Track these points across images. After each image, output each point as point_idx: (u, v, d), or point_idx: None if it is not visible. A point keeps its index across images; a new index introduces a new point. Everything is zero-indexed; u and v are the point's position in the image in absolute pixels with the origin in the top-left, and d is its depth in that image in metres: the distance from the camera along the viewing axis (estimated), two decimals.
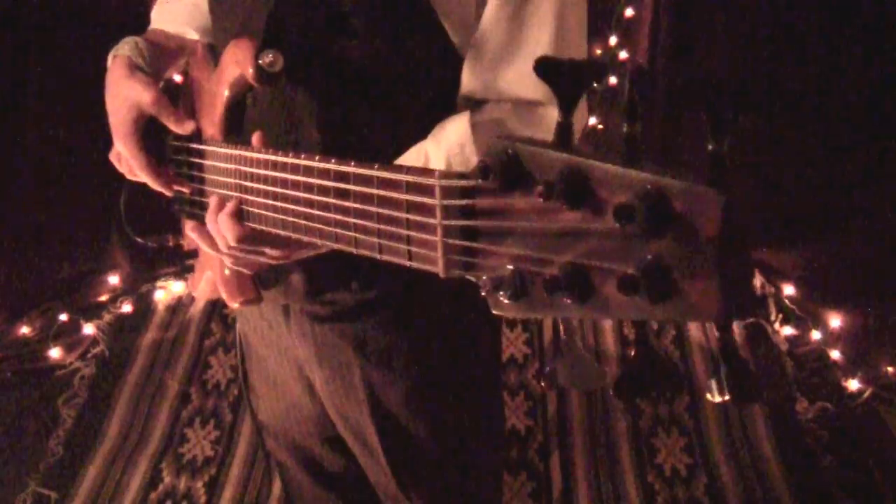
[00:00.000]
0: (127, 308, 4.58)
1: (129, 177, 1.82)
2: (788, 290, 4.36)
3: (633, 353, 0.75)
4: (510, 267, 0.83)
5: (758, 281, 4.40)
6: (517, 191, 0.80)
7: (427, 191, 0.95)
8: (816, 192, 4.06)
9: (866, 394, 3.89)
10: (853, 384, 3.93)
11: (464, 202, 0.89)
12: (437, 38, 1.53)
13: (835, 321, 4.14)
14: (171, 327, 4.51)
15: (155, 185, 1.74)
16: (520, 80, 1.52)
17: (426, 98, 1.62)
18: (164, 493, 3.68)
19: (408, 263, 1.03)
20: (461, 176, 0.89)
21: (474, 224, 0.88)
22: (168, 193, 1.77)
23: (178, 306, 4.64)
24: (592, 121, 4.41)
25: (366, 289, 1.76)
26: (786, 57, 4.11)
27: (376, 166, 1.06)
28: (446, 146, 1.50)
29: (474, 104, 1.58)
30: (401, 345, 1.83)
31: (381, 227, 1.07)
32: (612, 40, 4.40)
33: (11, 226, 4.30)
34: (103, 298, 4.61)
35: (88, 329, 4.42)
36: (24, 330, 4.38)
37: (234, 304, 1.69)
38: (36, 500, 3.61)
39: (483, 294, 0.86)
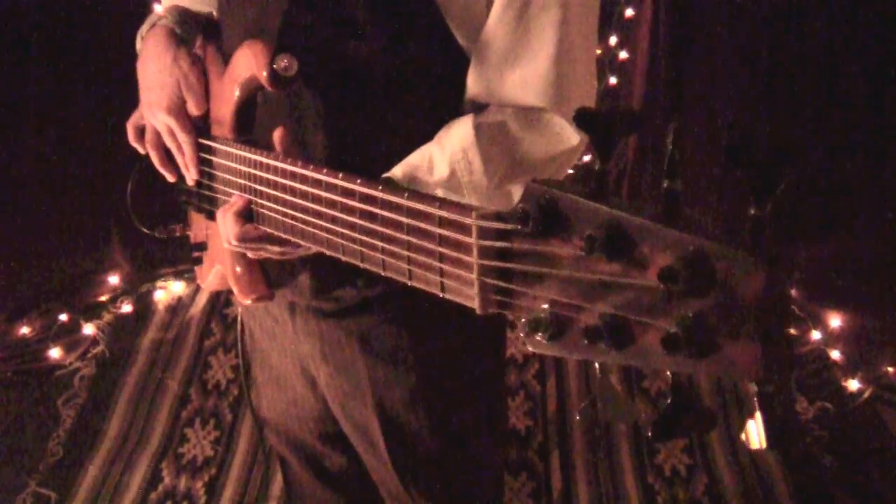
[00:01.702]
0: (127, 308, 4.58)
1: (149, 150, 1.82)
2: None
3: (668, 400, 0.76)
4: (546, 307, 0.84)
5: None
6: (555, 237, 0.81)
7: (463, 228, 0.95)
8: (816, 192, 4.07)
9: (866, 394, 3.89)
10: (853, 384, 3.93)
11: (501, 244, 0.90)
12: (444, 39, 1.54)
13: (835, 321, 4.14)
14: (171, 327, 4.51)
15: (190, 163, 1.76)
16: (522, 85, 1.52)
17: (433, 99, 1.63)
18: (164, 493, 3.68)
19: (441, 294, 1.04)
20: (498, 217, 0.90)
21: (511, 266, 0.89)
22: (195, 176, 1.79)
23: (178, 306, 4.64)
24: None
25: (371, 285, 1.77)
26: (785, 56, 4.11)
27: (406, 195, 1.07)
28: (450, 151, 1.50)
29: (479, 109, 1.59)
30: (406, 341, 1.84)
31: (412, 254, 1.07)
32: (613, 40, 4.40)
33: (11, 226, 4.29)
34: (103, 298, 4.60)
35: (88, 329, 4.42)
36: (24, 330, 4.38)
37: (245, 301, 1.69)
38: (36, 500, 3.61)
39: (521, 335, 0.87)
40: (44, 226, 4.35)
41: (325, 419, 2.11)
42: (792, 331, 4.20)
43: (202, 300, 4.63)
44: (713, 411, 0.76)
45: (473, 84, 1.57)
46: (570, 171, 1.66)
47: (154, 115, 1.76)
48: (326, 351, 1.89)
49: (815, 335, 4.15)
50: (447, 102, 1.61)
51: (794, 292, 4.33)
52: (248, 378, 2.28)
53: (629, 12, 4.37)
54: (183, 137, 1.73)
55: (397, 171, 1.55)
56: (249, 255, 1.63)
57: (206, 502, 3.64)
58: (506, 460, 3.66)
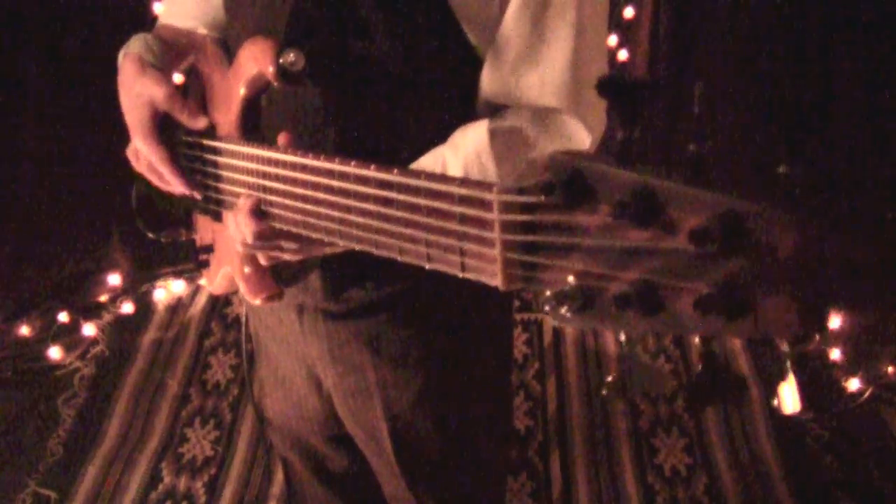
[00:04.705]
0: (127, 308, 4.57)
1: (147, 175, 1.82)
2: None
3: (700, 366, 0.77)
4: (572, 280, 0.84)
5: None
6: (581, 207, 0.81)
7: (484, 205, 0.95)
8: (816, 192, 4.07)
9: (866, 394, 3.89)
10: (853, 384, 3.93)
11: (524, 217, 0.89)
12: (455, 38, 1.54)
13: (835, 321, 4.14)
14: (171, 327, 4.51)
15: (173, 183, 1.75)
16: (540, 86, 1.52)
17: (444, 99, 1.63)
18: (164, 493, 3.68)
19: (461, 275, 1.03)
20: (521, 191, 0.89)
21: (536, 239, 0.88)
22: (183, 193, 1.78)
23: (178, 306, 4.64)
24: None
25: (380, 287, 1.77)
26: (785, 56, 4.12)
27: (423, 176, 1.06)
28: (464, 154, 1.51)
29: (494, 110, 1.59)
30: (414, 343, 1.84)
31: (430, 237, 1.07)
32: (612, 40, 4.39)
33: (11, 225, 4.29)
34: (103, 298, 4.60)
35: (88, 329, 4.41)
36: (24, 330, 4.38)
37: (255, 301, 1.68)
38: (36, 500, 3.61)
39: (546, 309, 0.87)
40: (44, 226, 4.35)
41: (329, 421, 2.11)
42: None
43: (202, 300, 4.64)
44: (742, 377, 0.77)
45: (489, 85, 1.57)
46: None
47: (133, 142, 1.76)
48: (335, 352, 1.89)
49: (815, 335, 4.13)
50: (456, 99, 1.62)
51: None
52: (251, 377, 2.28)
53: (629, 12, 4.37)
54: (154, 159, 1.72)
55: None
56: (262, 260, 1.61)
57: (206, 502, 3.64)
58: (508, 460, 3.66)
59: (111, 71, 1.78)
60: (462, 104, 1.62)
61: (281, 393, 2.19)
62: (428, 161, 1.55)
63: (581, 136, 1.52)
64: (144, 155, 1.75)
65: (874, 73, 3.96)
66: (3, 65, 4.16)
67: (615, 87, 0.79)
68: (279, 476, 3.47)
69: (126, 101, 1.73)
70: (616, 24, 4.36)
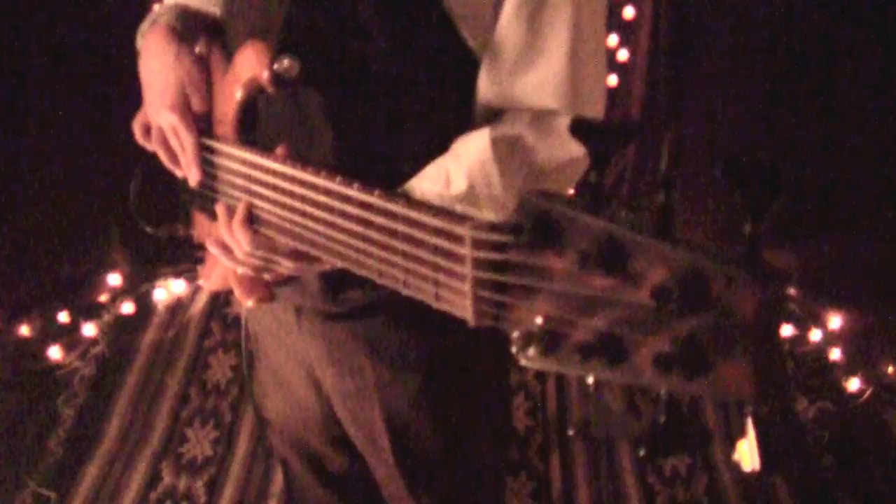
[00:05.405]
0: (127, 308, 4.55)
1: (157, 149, 1.81)
2: (789, 289, 4.34)
3: (662, 418, 0.76)
4: (539, 322, 0.83)
5: None
6: (550, 250, 0.80)
7: (457, 239, 0.95)
8: (816, 192, 4.06)
9: (866, 394, 3.89)
10: (853, 384, 3.93)
11: (495, 256, 0.89)
12: (452, 41, 1.53)
13: (835, 321, 4.13)
14: (171, 327, 4.50)
15: (191, 163, 1.74)
16: (537, 88, 1.51)
17: (442, 100, 1.62)
18: (164, 492, 3.67)
19: (435, 305, 1.03)
20: (493, 228, 0.89)
21: (506, 279, 0.88)
22: (197, 177, 1.77)
23: (178, 306, 4.62)
24: None
25: (379, 288, 1.76)
26: (785, 56, 4.11)
27: (401, 202, 1.06)
28: (467, 164, 1.50)
29: (492, 114, 1.58)
30: (412, 343, 1.83)
31: (407, 263, 1.07)
32: (613, 40, 4.38)
33: (12, 225, 4.29)
34: (103, 298, 4.58)
35: (88, 329, 4.39)
36: (24, 330, 4.36)
37: (247, 303, 1.68)
38: (36, 500, 3.60)
39: (513, 350, 0.86)
40: (44, 225, 4.34)
41: (328, 422, 2.10)
42: (790, 331, 4.21)
43: (202, 300, 4.62)
44: (708, 429, 0.76)
45: (486, 87, 1.56)
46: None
47: (158, 114, 1.74)
48: (333, 354, 1.89)
49: (815, 335, 4.14)
50: (455, 101, 1.61)
51: (793, 292, 4.32)
52: (250, 377, 2.28)
53: (629, 12, 4.36)
54: (185, 136, 1.71)
55: (413, 185, 1.55)
56: (266, 275, 1.62)
57: (205, 502, 3.64)
58: (507, 460, 3.65)
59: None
60: (461, 106, 1.61)
61: (280, 394, 2.19)
62: (431, 172, 1.54)
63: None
64: (164, 126, 1.75)
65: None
66: (4, 65, 4.16)
67: (586, 130, 0.79)
68: (279, 476, 3.46)
69: (160, 72, 1.73)
70: (616, 24, 4.35)
